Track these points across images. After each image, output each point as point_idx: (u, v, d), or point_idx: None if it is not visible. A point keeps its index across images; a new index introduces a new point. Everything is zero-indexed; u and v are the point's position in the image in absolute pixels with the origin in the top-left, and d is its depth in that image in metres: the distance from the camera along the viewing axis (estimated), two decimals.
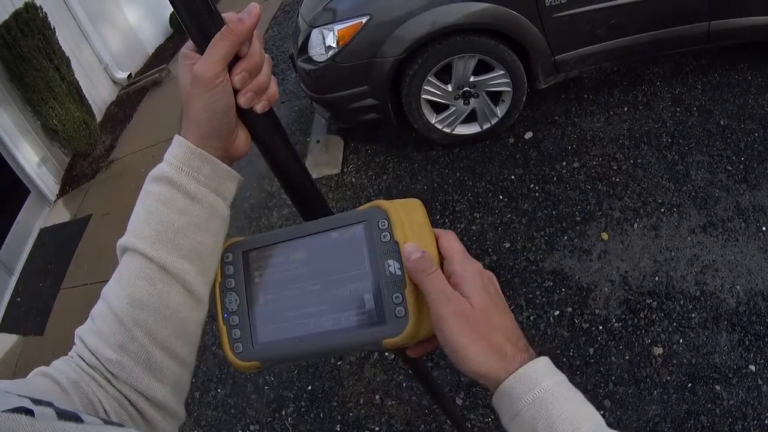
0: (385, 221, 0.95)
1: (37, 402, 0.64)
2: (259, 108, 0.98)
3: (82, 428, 0.64)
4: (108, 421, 0.81)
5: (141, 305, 0.92)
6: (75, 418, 0.65)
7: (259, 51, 0.95)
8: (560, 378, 0.83)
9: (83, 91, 8.46)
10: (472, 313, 0.85)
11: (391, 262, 0.93)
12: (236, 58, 0.93)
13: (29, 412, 0.59)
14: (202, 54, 0.91)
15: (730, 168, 4.09)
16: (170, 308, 0.94)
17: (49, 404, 0.65)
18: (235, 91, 0.94)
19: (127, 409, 0.92)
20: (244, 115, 0.99)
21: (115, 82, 10.00)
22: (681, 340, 3.35)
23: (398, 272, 0.92)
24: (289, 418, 3.97)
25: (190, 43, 0.96)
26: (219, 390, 4.37)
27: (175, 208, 0.96)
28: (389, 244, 0.94)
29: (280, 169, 1.10)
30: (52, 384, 0.86)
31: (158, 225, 0.95)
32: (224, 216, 1.03)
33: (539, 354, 0.85)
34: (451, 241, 0.93)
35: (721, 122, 4.41)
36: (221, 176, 1.00)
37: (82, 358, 0.92)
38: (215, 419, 4.22)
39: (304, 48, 5.01)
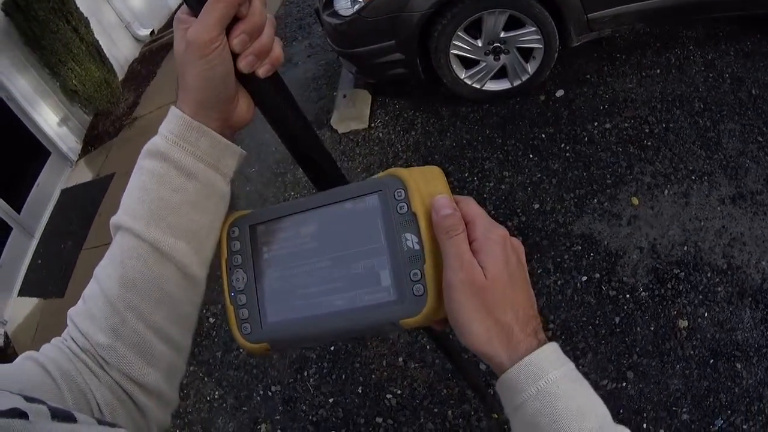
0: (402, 191, 0.89)
1: (30, 400, 0.63)
2: (262, 72, 0.91)
3: (76, 428, 0.64)
4: (102, 421, 0.80)
5: (133, 288, 0.89)
6: (69, 417, 0.65)
7: (260, 11, 0.88)
8: (567, 368, 0.80)
9: (104, 50, 8.40)
10: (483, 285, 0.80)
11: (408, 235, 0.87)
12: (235, 19, 0.86)
13: (23, 415, 0.58)
14: (196, 17, 0.85)
15: (761, 139, 4.00)
16: (164, 291, 0.91)
17: (42, 402, 0.64)
18: (235, 55, 0.88)
19: (120, 398, 0.89)
20: (246, 80, 0.93)
21: (137, 39, 9.93)
22: (706, 314, 3.33)
23: (416, 246, 0.86)
24: (311, 379, 4.00)
25: (185, 6, 0.91)
26: (241, 350, 4.37)
27: (170, 185, 0.92)
28: (406, 215, 0.88)
29: (288, 136, 1.03)
30: (43, 374, 0.83)
31: (151, 203, 0.91)
32: (223, 193, 0.98)
33: (549, 338, 0.81)
34: (472, 206, 0.87)
35: (753, 92, 4.31)
36: (220, 151, 0.96)
37: (74, 341, 0.90)
38: (237, 380, 4.27)
39: (329, 2, 4.96)
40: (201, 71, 0.86)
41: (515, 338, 0.80)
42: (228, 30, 0.86)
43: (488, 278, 0.80)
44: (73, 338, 0.91)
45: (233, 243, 1.00)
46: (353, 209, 0.93)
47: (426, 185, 0.90)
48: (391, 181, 0.91)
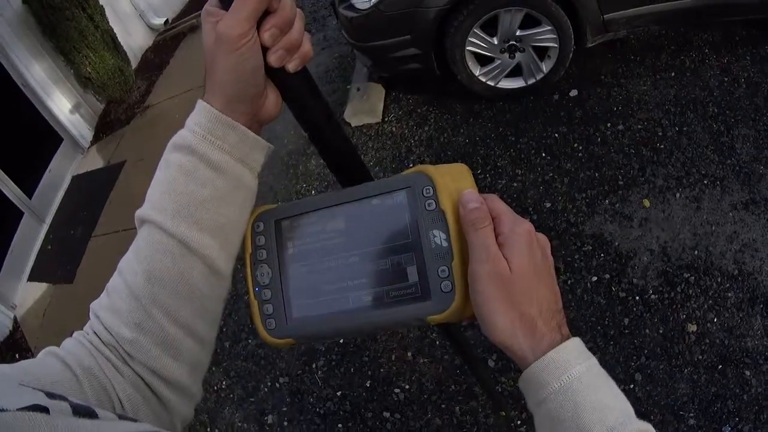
0: (430, 188, 0.90)
1: (51, 396, 0.62)
2: (292, 67, 0.91)
3: (98, 424, 0.63)
4: (122, 416, 0.77)
5: (159, 282, 0.89)
6: (90, 413, 0.64)
7: (290, 5, 0.88)
8: (590, 363, 0.80)
9: (118, 38, 8.41)
10: (508, 278, 0.81)
11: (436, 232, 0.88)
12: (265, 13, 0.86)
13: (44, 410, 0.58)
14: (226, 10, 0.85)
15: None
16: (190, 285, 0.91)
17: (63, 398, 0.63)
18: (265, 49, 0.88)
19: (143, 392, 0.89)
20: (275, 74, 0.92)
21: (151, 28, 9.89)
22: (715, 319, 3.33)
23: (445, 243, 0.87)
24: (320, 372, 4.02)
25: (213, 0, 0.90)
26: (250, 340, 4.45)
27: (198, 179, 0.91)
28: (435, 213, 0.89)
29: (315, 131, 1.03)
30: (64, 370, 0.83)
31: (179, 197, 0.90)
32: (251, 188, 0.99)
33: (571, 333, 0.83)
34: (497, 203, 0.88)
35: None
36: (249, 146, 0.95)
37: (97, 335, 0.90)
38: (244, 370, 4.30)
39: None
40: (232, 65, 0.86)
41: (539, 332, 0.81)
42: (258, 24, 0.86)
43: (513, 271, 0.81)
44: (95, 332, 0.90)
45: (258, 238, 1.00)
46: (381, 206, 0.94)
47: (454, 183, 0.91)
48: (420, 178, 0.91)
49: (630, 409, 0.78)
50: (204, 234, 0.91)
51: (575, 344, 0.81)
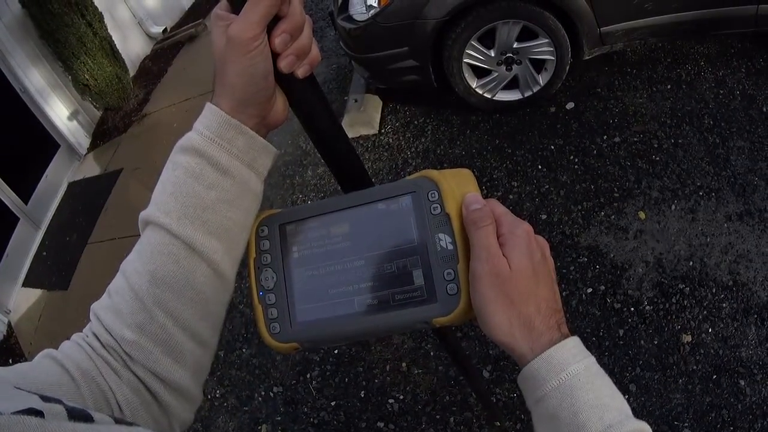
0: (435, 192, 0.91)
1: (46, 399, 0.62)
2: (301, 72, 0.92)
3: (93, 428, 0.63)
4: (119, 420, 0.77)
5: (163, 284, 0.88)
6: (85, 417, 0.64)
7: (300, 10, 0.88)
8: (588, 362, 0.80)
9: (116, 46, 8.42)
10: (507, 277, 0.82)
11: (442, 236, 0.89)
12: (275, 18, 0.86)
13: (39, 414, 0.57)
14: (237, 14, 0.85)
15: None
16: (194, 288, 0.90)
17: (58, 401, 0.63)
18: (275, 55, 0.88)
19: (143, 396, 0.89)
20: (283, 80, 0.93)
21: (149, 36, 9.92)
22: (710, 330, 3.33)
23: (450, 247, 0.88)
24: (314, 382, 4.01)
25: (223, 3, 0.91)
26: (244, 350, 4.43)
27: (204, 181, 0.91)
28: (440, 216, 0.90)
29: (320, 137, 1.03)
30: (61, 372, 0.82)
31: (185, 199, 0.90)
32: (257, 192, 0.98)
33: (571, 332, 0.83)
34: (497, 206, 0.90)
35: (764, 109, 4.29)
36: (257, 150, 0.95)
37: (97, 338, 0.89)
38: (238, 379, 4.28)
39: (344, 6, 4.96)
40: (242, 68, 0.86)
41: (536, 330, 0.82)
42: (269, 29, 0.86)
43: (513, 270, 0.82)
44: (95, 334, 0.90)
45: (262, 242, 1.00)
46: (386, 210, 0.95)
47: (458, 187, 0.92)
48: (425, 182, 0.92)
49: (627, 408, 0.78)
50: (210, 237, 0.91)
51: (574, 342, 0.82)
